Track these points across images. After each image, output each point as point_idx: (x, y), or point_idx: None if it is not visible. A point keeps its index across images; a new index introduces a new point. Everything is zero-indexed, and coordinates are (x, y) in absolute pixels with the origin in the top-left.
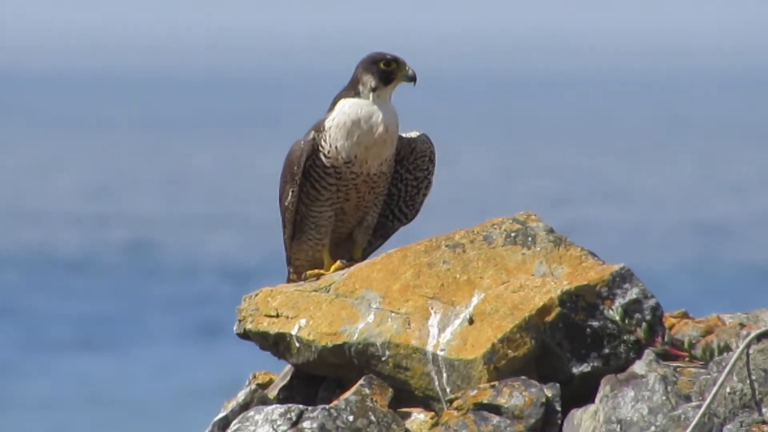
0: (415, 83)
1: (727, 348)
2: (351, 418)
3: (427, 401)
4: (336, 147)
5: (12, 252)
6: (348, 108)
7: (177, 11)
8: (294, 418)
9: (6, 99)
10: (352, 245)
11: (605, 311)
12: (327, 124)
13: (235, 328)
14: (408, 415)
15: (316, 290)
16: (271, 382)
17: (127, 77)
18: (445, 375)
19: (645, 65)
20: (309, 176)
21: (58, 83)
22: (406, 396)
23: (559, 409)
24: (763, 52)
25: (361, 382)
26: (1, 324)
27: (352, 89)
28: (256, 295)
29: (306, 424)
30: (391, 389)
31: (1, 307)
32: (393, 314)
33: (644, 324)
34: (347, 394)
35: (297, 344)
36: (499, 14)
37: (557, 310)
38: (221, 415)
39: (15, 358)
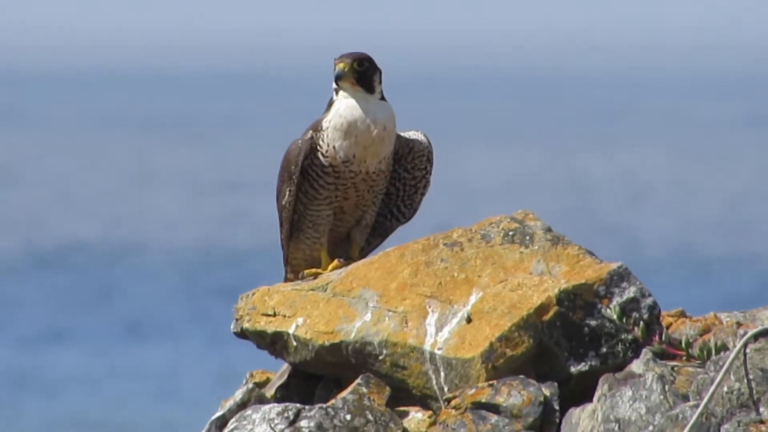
0: (335, 83)
1: (724, 347)
2: (348, 417)
3: (424, 400)
4: (334, 147)
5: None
6: (344, 108)
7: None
8: (291, 417)
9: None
10: (350, 244)
11: (603, 310)
12: (324, 124)
13: (232, 326)
14: (406, 414)
15: (313, 289)
16: (268, 381)
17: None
18: (442, 374)
19: (644, 65)
20: (307, 175)
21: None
22: (403, 395)
23: (557, 408)
24: None
25: (358, 380)
26: None
27: None
28: (253, 294)
29: (303, 423)
30: (388, 388)
31: None
32: (390, 313)
33: (642, 323)
34: (344, 393)
35: (294, 343)
36: (499, 14)
37: (555, 308)
38: (218, 414)
39: None
